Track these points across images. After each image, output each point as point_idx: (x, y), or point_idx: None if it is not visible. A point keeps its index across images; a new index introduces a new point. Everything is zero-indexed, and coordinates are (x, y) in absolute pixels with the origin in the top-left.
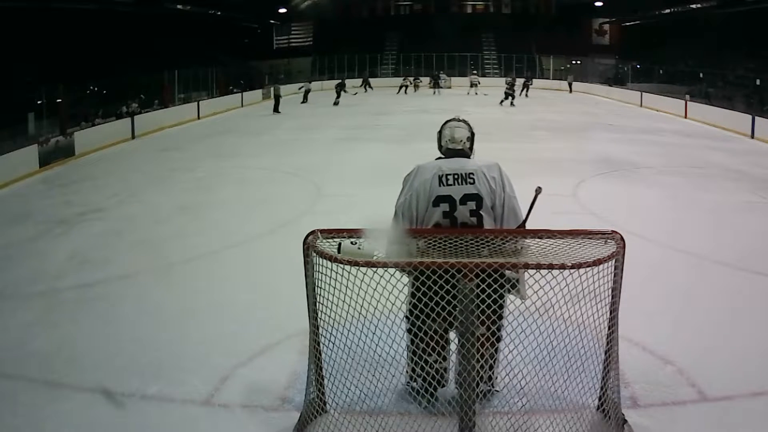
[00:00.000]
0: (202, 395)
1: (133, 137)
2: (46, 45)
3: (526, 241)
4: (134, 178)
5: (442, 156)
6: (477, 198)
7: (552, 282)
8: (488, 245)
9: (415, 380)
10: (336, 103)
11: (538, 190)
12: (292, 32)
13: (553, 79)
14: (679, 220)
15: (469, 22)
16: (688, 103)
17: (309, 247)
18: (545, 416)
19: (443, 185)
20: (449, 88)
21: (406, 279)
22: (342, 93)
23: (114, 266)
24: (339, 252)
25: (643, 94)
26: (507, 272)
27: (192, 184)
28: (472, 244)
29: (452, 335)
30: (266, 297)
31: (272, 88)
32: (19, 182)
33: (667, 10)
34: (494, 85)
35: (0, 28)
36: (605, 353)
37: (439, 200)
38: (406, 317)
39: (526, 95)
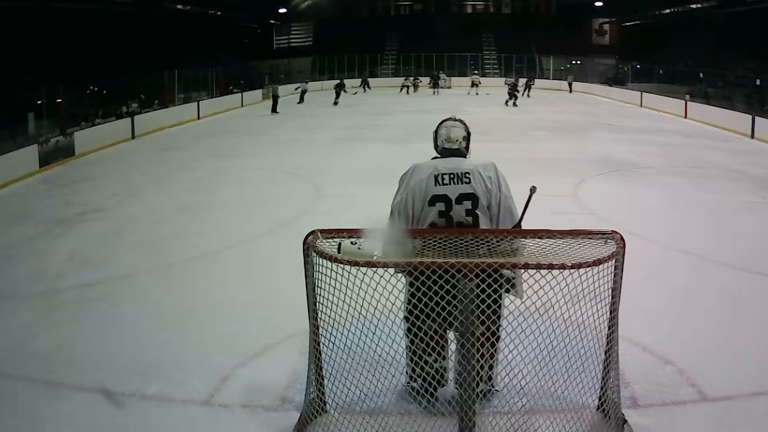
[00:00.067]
0: (202, 395)
1: (133, 137)
2: (46, 45)
3: (522, 240)
4: (134, 178)
5: (438, 155)
6: (473, 197)
7: (552, 282)
8: (485, 245)
9: (415, 380)
10: (335, 103)
11: (533, 190)
12: (292, 32)
13: (553, 79)
14: (679, 220)
15: (469, 22)
16: (688, 103)
17: (309, 247)
18: (545, 416)
19: (439, 184)
20: (449, 88)
21: (405, 279)
22: (342, 93)
23: (114, 266)
24: (339, 252)
25: (643, 94)
26: (504, 271)
27: (192, 184)
28: (468, 243)
29: (451, 335)
30: (266, 297)
31: (270, 89)
32: (19, 182)
33: (667, 10)
34: (494, 85)
35: (0, 28)
36: (605, 353)
37: (434, 199)
38: (405, 317)
39: (528, 95)
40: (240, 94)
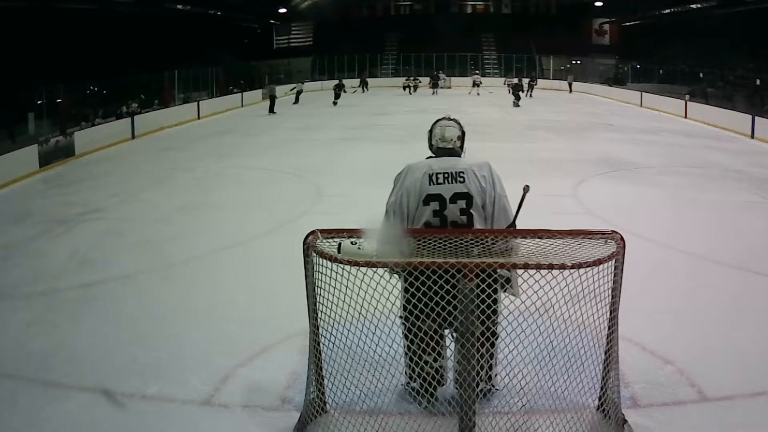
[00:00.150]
0: (202, 395)
1: (133, 137)
2: (46, 45)
3: (516, 240)
4: (134, 178)
5: (433, 155)
6: (467, 197)
7: (552, 282)
8: (479, 244)
9: (415, 380)
10: (334, 104)
11: (526, 189)
12: (292, 32)
13: (553, 79)
14: (679, 220)
15: (469, 22)
16: (688, 103)
17: (309, 247)
18: (545, 416)
19: (433, 184)
20: (449, 88)
21: (400, 279)
22: (342, 94)
23: (114, 266)
24: (339, 252)
25: (643, 94)
26: (500, 270)
27: (192, 184)
28: (463, 243)
29: (447, 334)
30: (266, 297)
31: (267, 89)
32: (19, 182)
33: (667, 10)
34: (495, 85)
35: (0, 28)
36: (605, 353)
37: (429, 199)
38: (403, 318)
39: (530, 95)
40: (240, 94)
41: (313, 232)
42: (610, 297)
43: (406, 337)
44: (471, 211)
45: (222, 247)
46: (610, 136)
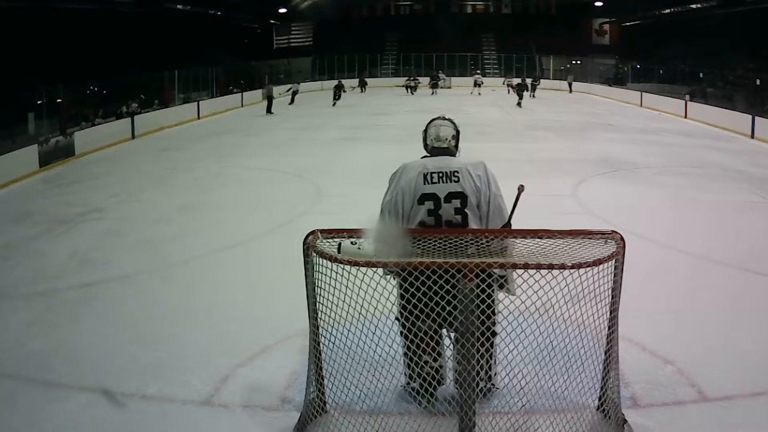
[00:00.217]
0: (202, 395)
1: (133, 137)
2: (46, 45)
3: (510, 239)
4: (134, 178)
5: (428, 154)
6: (461, 196)
7: (552, 282)
8: (474, 244)
9: (415, 380)
10: (334, 104)
11: (521, 188)
12: (292, 32)
13: (553, 79)
14: (679, 220)
15: (469, 22)
16: (688, 103)
17: (309, 247)
18: (545, 416)
19: (428, 183)
20: (449, 88)
21: (396, 279)
22: (342, 94)
23: (114, 266)
24: (339, 252)
25: (643, 94)
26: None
27: (192, 184)
28: (458, 243)
29: (444, 333)
30: (266, 297)
31: (266, 89)
32: (19, 182)
33: (667, 10)
34: (495, 85)
35: (0, 28)
36: (605, 353)
37: (423, 198)
38: (397, 319)
39: (533, 95)
40: (240, 94)
41: (313, 232)
42: (610, 297)
43: (406, 337)
44: (466, 210)
45: (222, 247)
46: (610, 136)
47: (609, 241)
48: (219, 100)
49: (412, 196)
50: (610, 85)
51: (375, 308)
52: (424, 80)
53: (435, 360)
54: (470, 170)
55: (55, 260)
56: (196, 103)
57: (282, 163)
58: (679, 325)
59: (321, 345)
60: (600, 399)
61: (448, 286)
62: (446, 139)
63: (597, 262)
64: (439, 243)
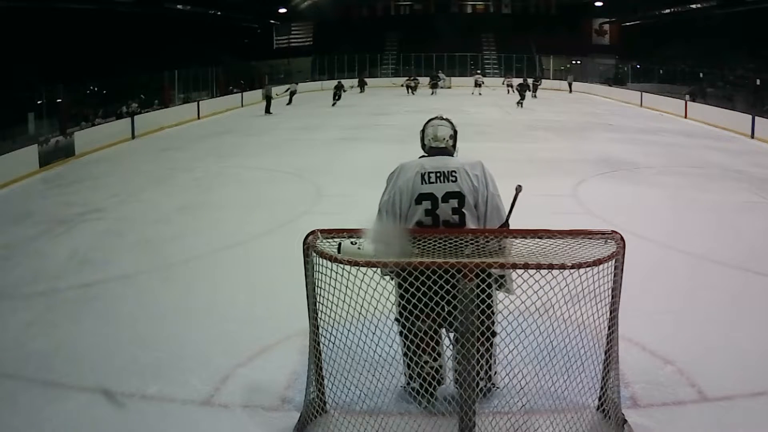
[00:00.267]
0: (202, 395)
1: (133, 137)
2: (46, 45)
3: (509, 239)
4: (134, 178)
5: (426, 154)
6: (459, 196)
7: (552, 282)
8: (471, 244)
9: (415, 380)
10: (333, 105)
11: (519, 189)
12: (292, 32)
13: (553, 79)
14: (679, 220)
15: (469, 22)
16: (688, 103)
17: (309, 247)
18: (545, 416)
19: (425, 183)
20: (449, 88)
21: (394, 280)
22: (342, 94)
23: (114, 266)
24: (339, 252)
25: (643, 94)
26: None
27: (192, 184)
28: (456, 243)
29: (443, 333)
30: (266, 297)
31: (264, 89)
32: (19, 182)
33: (667, 10)
34: (495, 85)
35: (0, 28)
36: (605, 353)
37: (421, 198)
38: (397, 320)
39: (534, 95)
40: (240, 94)
41: (313, 232)
42: (610, 297)
43: (406, 337)
44: (463, 210)
45: (222, 247)
46: (610, 136)
47: (609, 241)
48: (219, 100)
49: (410, 195)
50: (610, 85)
51: (375, 308)
52: (424, 80)
53: (435, 360)
54: (468, 170)
55: (55, 260)
56: (196, 103)
57: (282, 163)
58: (679, 325)
59: (321, 345)
60: (600, 399)
61: (448, 286)
62: (444, 139)
63: (597, 262)
64: (439, 243)
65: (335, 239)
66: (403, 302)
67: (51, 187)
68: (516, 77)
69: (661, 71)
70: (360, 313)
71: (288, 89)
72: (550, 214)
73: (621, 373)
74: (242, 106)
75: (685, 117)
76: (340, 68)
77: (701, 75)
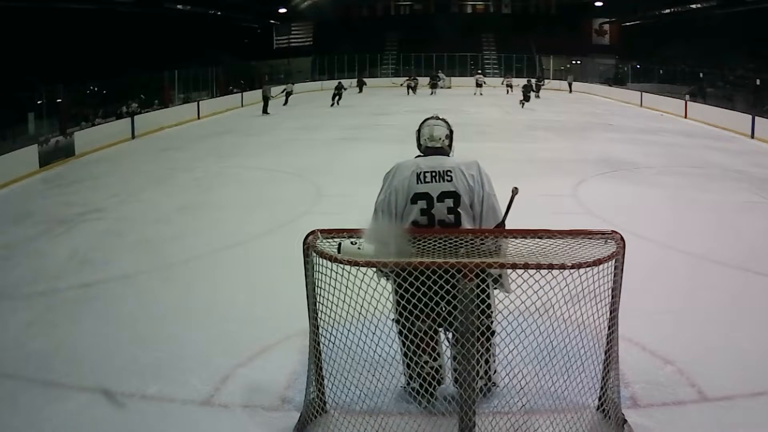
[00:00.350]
0: (202, 395)
1: (133, 137)
2: (46, 45)
3: (503, 238)
4: (134, 178)
5: (421, 154)
6: (454, 195)
7: (552, 282)
8: (467, 243)
9: (415, 380)
10: (332, 105)
11: (515, 191)
12: (292, 32)
13: (553, 79)
14: (679, 220)
15: (469, 22)
16: (688, 103)
17: (309, 247)
18: (545, 416)
19: (421, 182)
20: (449, 88)
21: (392, 280)
22: (342, 93)
23: (114, 266)
24: (339, 252)
25: (643, 94)
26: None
27: (192, 184)
28: (452, 243)
29: (442, 333)
30: (266, 297)
31: (262, 89)
32: (19, 182)
33: (667, 10)
34: (495, 85)
35: (0, 28)
36: (605, 353)
37: (416, 197)
38: (397, 320)
39: (537, 96)
40: (240, 94)
41: (313, 232)
42: (610, 297)
43: (406, 337)
44: (458, 209)
45: (222, 247)
46: (610, 136)
47: (609, 241)
48: (219, 100)
49: (405, 195)
50: (610, 85)
51: (375, 308)
52: (424, 80)
53: (435, 360)
54: (463, 170)
55: (55, 260)
56: (196, 103)
57: (282, 163)
58: (679, 325)
59: (321, 345)
60: (600, 399)
61: (448, 286)
62: (440, 138)
63: (597, 262)
64: (438, 243)
65: (335, 239)
66: (403, 302)
67: (51, 187)
68: (516, 77)
69: (661, 71)
70: (360, 313)
71: (284, 90)
72: (550, 214)
73: (621, 373)
74: (242, 106)
75: (685, 117)
76: (340, 68)
77: (701, 75)
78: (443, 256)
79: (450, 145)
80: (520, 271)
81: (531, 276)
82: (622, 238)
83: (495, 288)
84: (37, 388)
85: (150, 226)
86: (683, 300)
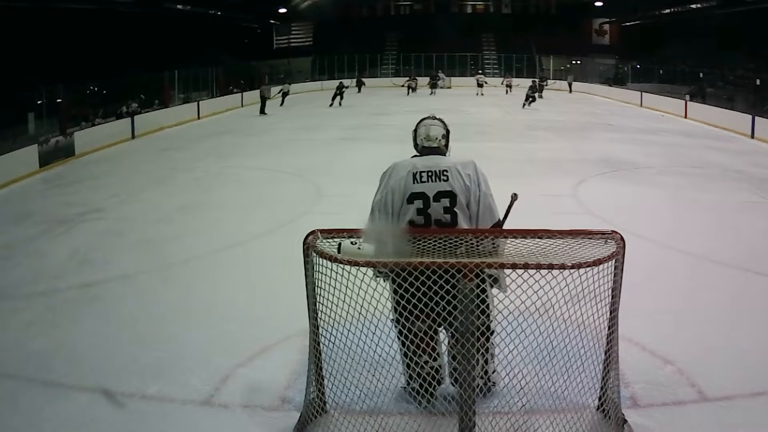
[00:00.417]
0: (202, 395)
1: (133, 137)
2: (46, 45)
3: (500, 238)
4: (134, 178)
5: (418, 154)
6: (451, 195)
7: (552, 282)
8: (464, 243)
9: (415, 380)
10: (330, 105)
11: (514, 197)
12: (292, 32)
13: (553, 79)
14: (679, 220)
15: (469, 22)
16: (688, 103)
17: (309, 247)
18: (545, 416)
19: (417, 182)
20: (449, 88)
21: (391, 281)
22: (343, 92)
23: (114, 266)
24: (339, 252)
25: (643, 94)
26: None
27: (192, 184)
28: (449, 243)
29: (441, 333)
30: (266, 297)
31: (260, 90)
32: (19, 182)
33: (667, 10)
34: (495, 85)
35: (0, 28)
36: (605, 353)
37: (413, 197)
38: (396, 321)
39: (540, 96)
40: (240, 94)
41: (313, 232)
42: (610, 297)
43: (406, 337)
44: (455, 209)
45: (222, 247)
46: (610, 136)
47: (609, 241)
48: (219, 100)
49: (402, 194)
50: (610, 85)
51: (375, 308)
52: (424, 80)
53: (434, 360)
54: (460, 169)
55: (55, 260)
56: (196, 103)
57: (282, 163)
58: (679, 325)
59: (321, 345)
60: (600, 399)
61: (448, 286)
62: (436, 138)
63: (597, 262)
64: (436, 243)
65: (335, 239)
66: (402, 302)
67: (51, 187)
68: (516, 77)
69: (661, 71)
70: (360, 313)
71: (280, 90)
72: (550, 214)
73: (621, 373)
74: (242, 106)
75: (685, 117)
76: (340, 68)
77: (701, 75)
78: (442, 256)
79: (447, 145)
80: (520, 271)
81: (531, 276)
82: (622, 238)
83: (492, 287)
84: (37, 388)
85: (150, 226)
86: (683, 300)
